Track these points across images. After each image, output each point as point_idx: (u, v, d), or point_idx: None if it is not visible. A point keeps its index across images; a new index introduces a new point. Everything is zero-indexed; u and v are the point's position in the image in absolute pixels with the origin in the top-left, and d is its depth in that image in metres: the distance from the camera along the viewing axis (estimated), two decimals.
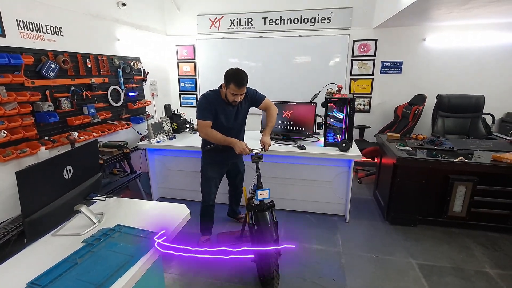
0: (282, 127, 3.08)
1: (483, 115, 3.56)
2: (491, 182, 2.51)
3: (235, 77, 2.00)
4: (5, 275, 1.10)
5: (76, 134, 2.81)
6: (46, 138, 2.58)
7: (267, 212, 1.89)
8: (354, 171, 4.06)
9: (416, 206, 2.71)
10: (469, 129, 3.48)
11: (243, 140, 2.34)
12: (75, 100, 2.84)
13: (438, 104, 3.58)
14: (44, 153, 2.42)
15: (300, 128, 3.02)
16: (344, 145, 2.66)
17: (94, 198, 1.55)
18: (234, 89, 2.01)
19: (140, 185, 3.27)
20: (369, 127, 4.09)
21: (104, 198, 1.59)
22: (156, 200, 3.37)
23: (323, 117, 2.88)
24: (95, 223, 1.41)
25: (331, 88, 2.87)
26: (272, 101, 2.41)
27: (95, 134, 3.01)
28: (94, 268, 1.11)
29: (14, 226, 1.38)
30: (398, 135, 3.17)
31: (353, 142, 2.90)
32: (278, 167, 2.96)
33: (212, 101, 2.15)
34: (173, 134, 3.34)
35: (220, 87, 2.17)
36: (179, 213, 1.54)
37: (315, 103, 3.01)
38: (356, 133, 4.04)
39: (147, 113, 4.03)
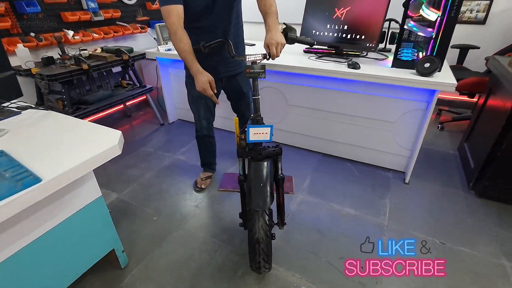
0: (331, 34, 2.06)
1: None
2: None
3: None
4: None
5: (71, 33, 2.33)
6: (32, 34, 2.15)
7: (265, 163, 1.17)
8: (435, 111, 2.90)
9: None
10: None
11: (239, 46, 1.56)
12: None
13: None
14: (22, 51, 2.02)
15: (359, 36, 1.96)
16: (427, 64, 1.60)
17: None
18: None
19: (152, 102, 2.81)
20: (478, 48, 2.67)
21: (15, 108, 1.08)
22: (172, 122, 2.93)
23: (400, 22, 1.77)
24: None
25: None
26: None
27: (97, 35, 2.49)
28: None
29: None
30: None
31: (445, 64, 1.79)
32: (313, 94, 2.09)
33: None
34: None
35: None
36: (104, 143, 0.95)
37: None
38: (453, 55, 2.73)
39: None
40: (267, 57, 1.23)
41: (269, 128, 1.15)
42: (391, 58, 2.04)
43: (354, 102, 1.99)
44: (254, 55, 1.19)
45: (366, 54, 2.13)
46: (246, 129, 1.16)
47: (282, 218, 1.31)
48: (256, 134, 1.15)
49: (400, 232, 1.58)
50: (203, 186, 1.93)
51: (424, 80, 1.59)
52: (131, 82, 2.70)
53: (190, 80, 1.63)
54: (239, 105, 1.80)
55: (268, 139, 1.17)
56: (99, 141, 0.97)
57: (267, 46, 1.21)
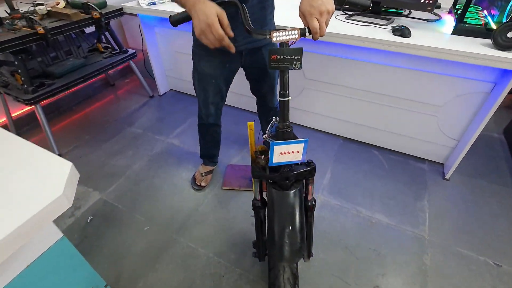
0: None
1: None
2: None
3: None
4: None
5: None
6: None
7: (293, 194, 0.82)
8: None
9: None
10: None
11: (267, 7, 1.09)
12: None
13: None
14: None
15: None
16: (511, 34, 1.15)
17: None
18: None
19: (137, 70, 2.33)
20: None
21: None
22: (164, 94, 2.49)
23: None
24: None
25: None
26: None
27: None
28: None
29: None
30: None
31: None
32: (338, 66, 1.64)
33: None
34: None
35: None
36: (42, 194, 0.58)
37: None
38: None
39: None
40: (306, 33, 0.74)
41: (302, 145, 0.78)
42: (446, 18, 1.56)
43: (390, 78, 1.56)
44: (285, 31, 0.71)
45: (410, 13, 1.63)
46: (265, 134, 0.78)
47: (309, 250, 1.01)
48: (283, 154, 0.78)
49: (445, 249, 1.31)
50: (203, 184, 1.60)
51: (499, 57, 1.15)
52: (110, 46, 2.19)
53: (199, 51, 1.16)
54: (260, 86, 1.35)
55: (300, 159, 0.80)
56: (36, 188, 0.59)
57: (303, 15, 0.73)
